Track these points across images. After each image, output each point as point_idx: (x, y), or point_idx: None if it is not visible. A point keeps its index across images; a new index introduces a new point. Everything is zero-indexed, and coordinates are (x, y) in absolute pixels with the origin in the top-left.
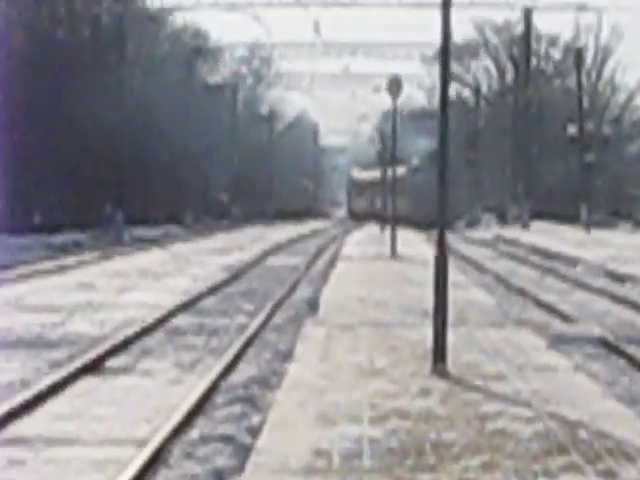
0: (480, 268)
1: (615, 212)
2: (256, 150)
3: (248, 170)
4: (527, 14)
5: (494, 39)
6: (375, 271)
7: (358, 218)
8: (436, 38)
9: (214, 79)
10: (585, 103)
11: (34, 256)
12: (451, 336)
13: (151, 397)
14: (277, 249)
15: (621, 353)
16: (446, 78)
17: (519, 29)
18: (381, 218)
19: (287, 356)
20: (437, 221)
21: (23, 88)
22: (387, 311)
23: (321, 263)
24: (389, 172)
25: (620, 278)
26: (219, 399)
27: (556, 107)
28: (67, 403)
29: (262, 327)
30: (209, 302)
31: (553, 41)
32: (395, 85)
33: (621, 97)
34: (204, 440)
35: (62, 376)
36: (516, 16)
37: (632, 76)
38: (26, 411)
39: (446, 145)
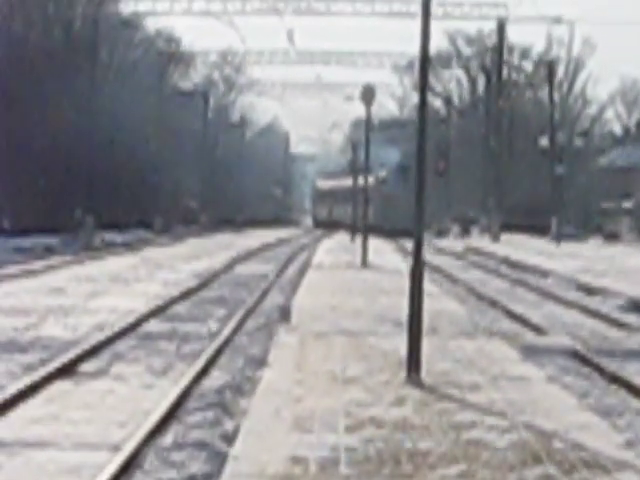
0: (451, 278)
1: (585, 225)
2: (227, 157)
3: (218, 177)
4: (500, 25)
5: (466, 50)
6: (347, 280)
7: (322, 226)
8: (408, 48)
9: (186, 85)
10: (556, 115)
11: (3, 260)
12: (424, 346)
13: (124, 402)
14: (247, 256)
15: (593, 365)
16: (425, 87)
17: (492, 40)
18: (346, 226)
19: (260, 363)
20: (410, 231)
21: None
22: (360, 320)
23: (292, 271)
24: (354, 181)
25: (591, 290)
26: (192, 405)
27: (527, 119)
28: (41, 407)
29: (234, 333)
30: (180, 308)
31: (525, 53)
32: (369, 94)
33: (592, 110)
34: (178, 446)
35: (35, 380)
36: (489, 27)
37: (603, 89)
38: (0, 414)
39: (424, 155)
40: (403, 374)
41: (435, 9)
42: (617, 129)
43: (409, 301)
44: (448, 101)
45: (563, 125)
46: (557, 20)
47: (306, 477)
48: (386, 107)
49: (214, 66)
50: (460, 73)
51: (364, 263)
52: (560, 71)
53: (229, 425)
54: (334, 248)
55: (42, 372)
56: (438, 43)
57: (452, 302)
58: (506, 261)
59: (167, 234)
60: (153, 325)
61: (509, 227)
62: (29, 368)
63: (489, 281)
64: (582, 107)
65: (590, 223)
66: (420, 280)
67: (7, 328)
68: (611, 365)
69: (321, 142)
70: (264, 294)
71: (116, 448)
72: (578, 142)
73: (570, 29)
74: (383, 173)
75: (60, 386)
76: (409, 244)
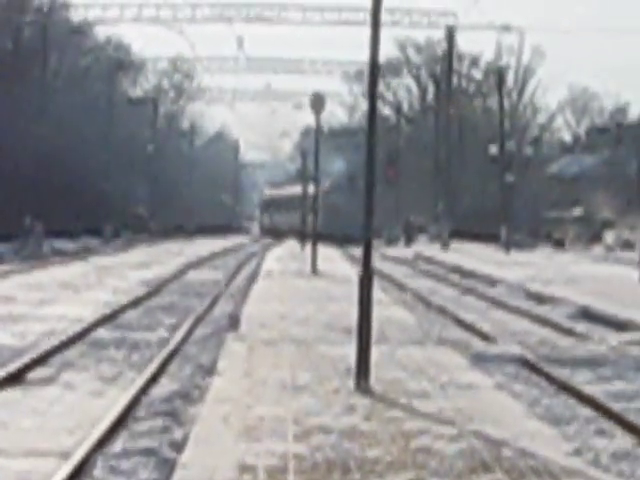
0: (400, 286)
1: (534, 233)
2: (176, 164)
3: (168, 184)
4: (449, 33)
5: (416, 58)
6: (296, 287)
7: (270, 234)
8: (358, 56)
9: (135, 92)
10: (506, 123)
11: None
12: (373, 353)
13: (73, 409)
14: (197, 264)
15: (542, 373)
16: (374, 94)
17: (441, 48)
18: (294, 234)
19: (209, 371)
20: (354, 238)
21: None
22: (309, 327)
23: (241, 278)
24: (303, 189)
25: (540, 298)
26: (141, 412)
27: (477, 127)
28: None
29: (183, 341)
30: (130, 315)
31: (475, 61)
32: (318, 102)
33: (542, 118)
34: (127, 453)
35: None
36: (438, 35)
37: (553, 97)
38: None
39: (373, 163)
40: (352, 382)
41: (385, 17)
42: (566, 137)
43: (358, 309)
44: (398, 109)
45: (513, 133)
46: (506, 28)
47: None
48: (336, 115)
49: (164, 73)
50: (410, 81)
51: (314, 271)
52: (510, 79)
53: (178, 433)
54: (284, 256)
55: None
56: (388, 51)
57: (401, 310)
58: (455, 269)
59: (117, 241)
60: (103, 333)
61: (459, 235)
62: None
63: (438, 289)
64: (532, 115)
65: (539, 231)
66: (369, 288)
67: None
68: (560, 373)
69: (271, 150)
70: (214, 302)
71: (65, 455)
72: (528, 150)
73: (520, 37)
74: (327, 183)
75: (8, 394)
76: (357, 251)
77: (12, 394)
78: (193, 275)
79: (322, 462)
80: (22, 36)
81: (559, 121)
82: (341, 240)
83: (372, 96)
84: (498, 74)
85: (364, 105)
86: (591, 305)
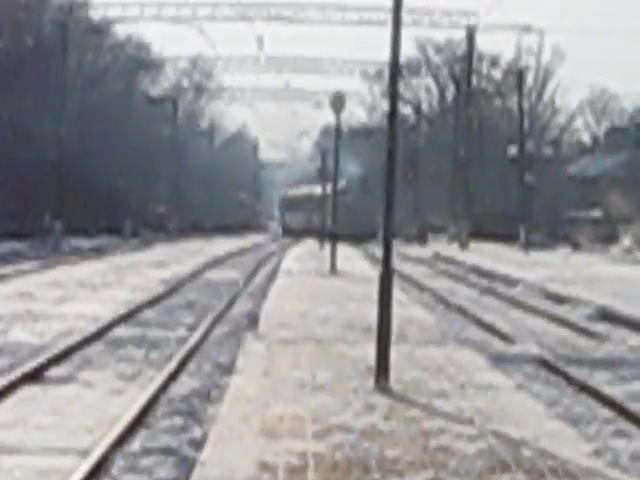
0: (419, 286)
1: (553, 233)
2: (196, 163)
3: (187, 183)
4: (470, 34)
5: (436, 58)
6: (315, 286)
7: (288, 233)
8: (377, 55)
9: (155, 91)
10: (525, 124)
11: None
12: (393, 353)
13: (93, 407)
14: (216, 263)
15: (561, 373)
16: (395, 93)
17: (461, 48)
18: (314, 234)
19: (228, 370)
20: (367, 236)
21: None
22: (328, 327)
23: (260, 278)
24: (323, 189)
25: (559, 298)
26: (161, 411)
27: (496, 127)
28: (9, 411)
29: (202, 340)
30: (149, 314)
31: (495, 61)
32: (338, 101)
33: (561, 119)
34: (146, 451)
35: (3, 384)
36: (458, 36)
37: (572, 98)
38: None
39: (394, 163)
40: (372, 381)
41: (405, 17)
42: (586, 138)
43: (378, 308)
44: (418, 109)
45: (532, 134)
46: (527, 29)
47: None
48: (355, 115)
49: (184, 72)
50: (429, 81)
51: (333, 270)
52: (529, 80)
53: (197, 431)
54: (303, 255)
55: (10, 377)
56: (407, 51)
57: (421, 310)
58: (474, 269)
59: (135, 240)
60: (122, 331)
61: (478, 235)
62: None
63: (457, 289)
64: (551, 116)
65: (558, 232)
66: (389, 287)
67: None
68: (580, 374)
69: (290, 149)
70: (232, 301)
71: (84, 453)
72: (547, 151)
73: (539, 38)
74: (343, 182)
75: (28, 391)
76: (372, 250)
77: (31, 392)
78: (212, 274)
79: (341, 461)
80: (42, 34)
81: (579, 122)
82: (354, 239)
83: (393, 96)
84: (518, 74)
85: (384, 105)
86: (610, 305)
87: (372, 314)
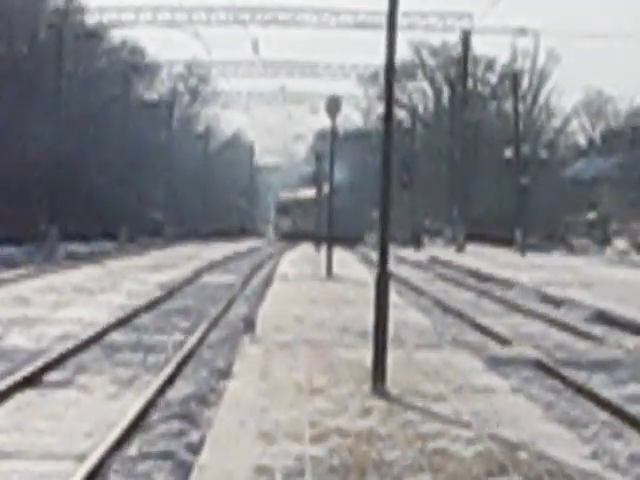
0: (415, 290)
1: (549, 236)
2: (191, 168)
3: (183, 188)
4: (465, 37)
5: (431, 61)
6: (312, 290)
7: (284, 237)
8: (373, 59)
9: (151, 96)
10: (521, 127)
11: None
12: (389, 357)
13: (90, 412)
14: (212, 267)
15: (558, 376)
16: (391, 96)
17: (456, 52)
18: (308, 237)
19: (225, 374)
20: (354, 238)
21: None
22: (325, 330)
23: (256, 282)
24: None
25: (555, 301)
26: (157, 415)
27: (492, 130)
28: (6, 417)
29: (199, 344)
30: (145, 319)
31: (490, 64)
32: (334, 105)
33: (556, 121)
34: (143, 456)
35: (1, 389)
36: (454, 39)
37: (567, 100)
38: None
39: (389, 166)
40: (368, 385)
41: (400, 20)
42: (581, 141)
43: (374, 312)
44: (413, 112)
45: (527, 137)
46: (522, 32)
47: None
48: (350, 118)
49: (179, 77)
50: (425, 84)
51: (329, 274)
52: (525, 83)
53: (194, 436)
54: (299, 259)
55: (6, 382)
56: (403, 54)
57: (417, 313)
58: (470, 272)
59: (131, 245)
60: (118, 336)
61: (474, 238)
62: None
63: (454, 292)
64: (546, 119)
65: (554, 234)
66: (386, 291)
67: None
68: (577, 376)
69: (286, 153)
70: (229, 305)
71: (81, 458)
72: (543, 154)
73: (535, 41)
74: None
75: (25, 396)
76: (363, 251)
77: (28, 397)
78: (208, 278)
79: (339, 465)
80: (37, 39)
81: (574, 124)
82: (341, 241)
83: (388, 99)
84: (513, 77)
85: (379, 108)
86: (607, 308)
87: (369, 318)
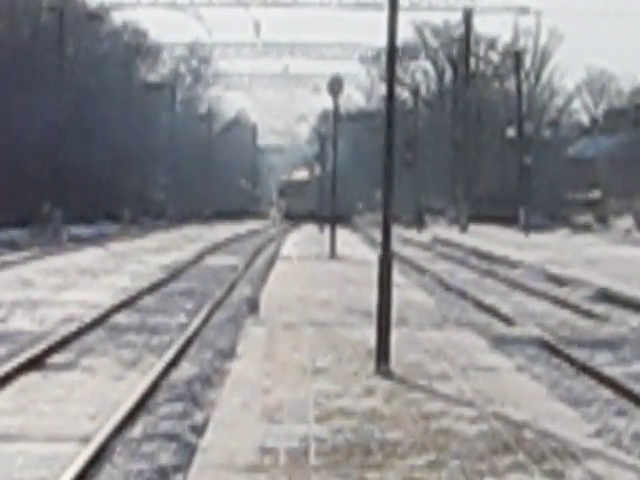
0: (419, 269)
1: (553, 215)
2: (194, 150)
3: (186, 170)
4: (467, 16)
5: (433, 41)
6: (315, 271)
7: (287, 218)
8: (375, 39)
9: (153, 78)
10: (523, 106)
11: None
12: (393, 336)
13: (94, 394)
14: (215, 248)
15: (562, 355)
16: (393, 76)
17: (458, 31)
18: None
19: (229, 355)
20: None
21: None
22: (328, 311)
23: (260, 263)
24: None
25: (559, 280)
26: (162, 396)
27: (494, 110)
28: (10, 399)
29: (202, 326)
30: (149, 300)
31: (492, 44)
32: (336, 85)
33: (559, 100)
34: (148, 437)
35: (5, 371)
36: (455, 18)
37: (570, 79)
38: None
39: (392, 146)
40: (372, 365)
41: (402, 0)
42: (584, 119)
43: (378, 292)
44: (415, 92)
45: (530, 116)
46: (524, 11)
47: (276, 467)
48: (353, 99)
49: (181, 59)
50: (427, 64)
51: (332, 254)
52: (527, 62)
53: (199, 416)
54: (302, 240)
55: (11, 365)
56: (405, 34)
57: (421, 293)
58: (474, 252)
59: (135, 227)
60: (122, 317)
61: (477, 217)
62: None
63: (457, 272)
64: (549, 98)
65: (558, 213)
66: (389, 271)
67: None
68: (581, 355)
69: (288, 134)
70: (232, 286)
71: (86, 440)
72: (545, 133)
73: (537, 20)
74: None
75: (29, 378)
76: (362, 232)
77: (32, 379)
78: (211, 260)
79: (343, 444)
80: (39, 23)
81: (577, 103)
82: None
83: (390, 79)
84: (515, 57)
85: (382, 88)
86: (610, 287)
87: (372, 298)
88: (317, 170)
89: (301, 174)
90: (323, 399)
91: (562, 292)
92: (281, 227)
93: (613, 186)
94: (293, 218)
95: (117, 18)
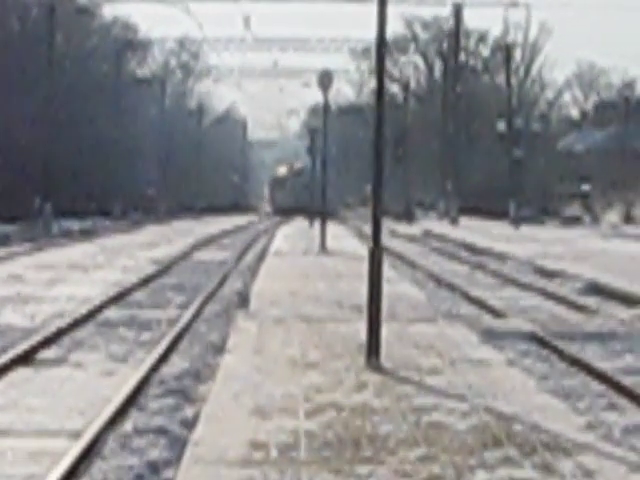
0: (410, 263)
1: (543, 209)
2: (184, 144)
3: (177, 164)
4: (457, 10)
5: (423, 34)
6: (305, 265)
7: (277, 212)
8: (365, 33)
9: (143, 72)
10: (514, 100)
11: None
12: (384, 330)
13: (84, 389)
14: (206, 243)
15: (552, 348)
16: (382, 70)
17: (448, 25)
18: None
19: (219, 349)
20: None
21: None
22: (319, 305)
23: (250, 257)
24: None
25: (549, 274)
26: (152, 391)
27: (485, 103)
28: (0, 394)
29: (193, 320)
30: (139, 295)
31: (482, 37)
32: (326, 79)
33: (549, 94)
34: (138, 432)
35: None
36: (445, 12)
37: (560, 73)
38: None
39: (381, 141)
40: (363, 359)
41: None
42: (574, 113)
43: (368, 286)
44: (405, 86)
45: (520, 109)
46: (513, 4)
47: (266, 462)
48: (342, 93)
49: (171, 53)
50: (417, 58)
51: (323, 248)
52: (517, 55)
53: (189, 411)
54: (292, 234)
55: (1, 360)
56: (395, 28)
57: (411, 287)
58: (464, 245)
59: (126, 221)
60: (112, 312)
61: (468, 211)
62: None
63: (448, 266)
64: (539, 91)
65: (548, 207)
66: (379, 265)
67: None
68: (571, 348)
69: (279, 128)
70: (223, 280)
71: (76, 435)
72: (535, 126)
73: (527, 13)
74: (299, 164)
75: (19, 373)
76: (357, 225)
77: (22, 374)
78: (202, 254)
79: (333, 439)
80: (29, 17)
81: (567, 97)
82: (309, 213)
83: (380, 73)
84: (505, 50)
85: (372, 82)
86: (600, 280)
87: (362, 292)
88: (297, 165)
89: (282, 169)
90: (314, 393)
91: (552, 285)
92: (268, 222)
93: (603, 179)
94: (279, 213)
95: (107, 13)
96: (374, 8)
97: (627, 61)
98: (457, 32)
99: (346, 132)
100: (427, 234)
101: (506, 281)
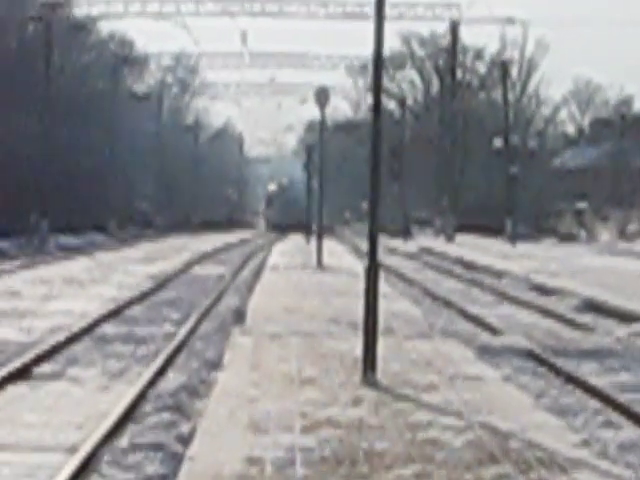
0: (405, 280)
1: (539, 226)
2: (181, 160)
3: (173, 180)
4: (453, 27)
5: (420, 51)
6: (302, 281)
7: (274, 229)
8: (362, 50)
9: (140, 88)
10: (510, 116)
11: None
12: (380, 346)
13: (80, 404)
14: (202, 259)
15: (548, 365)
16: (379, 86)
17: (445, 42)
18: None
19: (216, 365)
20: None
21: None
22: (315, 321)
23: (247, 273)
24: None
25: (546, 290)
26: (148, 407)
27: (481, 120)
28: None
29: (189, 336)
30: (135, 311)
31: (479, 54)
32: (323, 96)
33: (546, 110)
34: (134, 448)
35: None
36: (442, 29)
37: (557, 90)
38: None
39: (378, 157)
40: (359, 375)
41: (389, 10)
42: (571, 130)
43: (364, 302)
44: (402, 103)
45: (517, 126)
46: (510, 21)
47: (262, 478)
48: (339, 109)
49: (168, 69)
50: (414, 74)
51: (319, 264)
52: (514, 72)
53: (185, 427)
54: (289, 250)
55: None
56: (391, 44)
57: (407, 303)
58: (460, 262)
59: (121, 237)
60: (109, 328)
61: (464, 228)
62: None
63: (444, 282)
64: (536, 108)
65: (544, 224)
66: (375, 281)
67: None
68: (567, 365)
69: (275, 145)
70: (219, 296)
71: (72, 450)
72: (532, 143)
73: (523, 30)
74: (285, 180)
75: (15, 389)
76: (354, 241)
77: (19, 389)
78: (198, 270)
79: (329, 455)
80: (25, 33)
81: (563, 114)
82: (295, 228)
83: (377, 89)
84: (502, 67)
85: (369, 99)
86: (596, 297)
87: (359, 308)
88: (284, 181)
89: (272, 187)
90: (310, 409)
91: (548, 302)
92: (267, 237)
93: (598, 196)
94: (271, 229)
95: (104, 28)
96: (371, 25)
97: (624, 78)
98: (454, 49)
99: (343, 149)
100: (423, 250)
101: (502, 298)
